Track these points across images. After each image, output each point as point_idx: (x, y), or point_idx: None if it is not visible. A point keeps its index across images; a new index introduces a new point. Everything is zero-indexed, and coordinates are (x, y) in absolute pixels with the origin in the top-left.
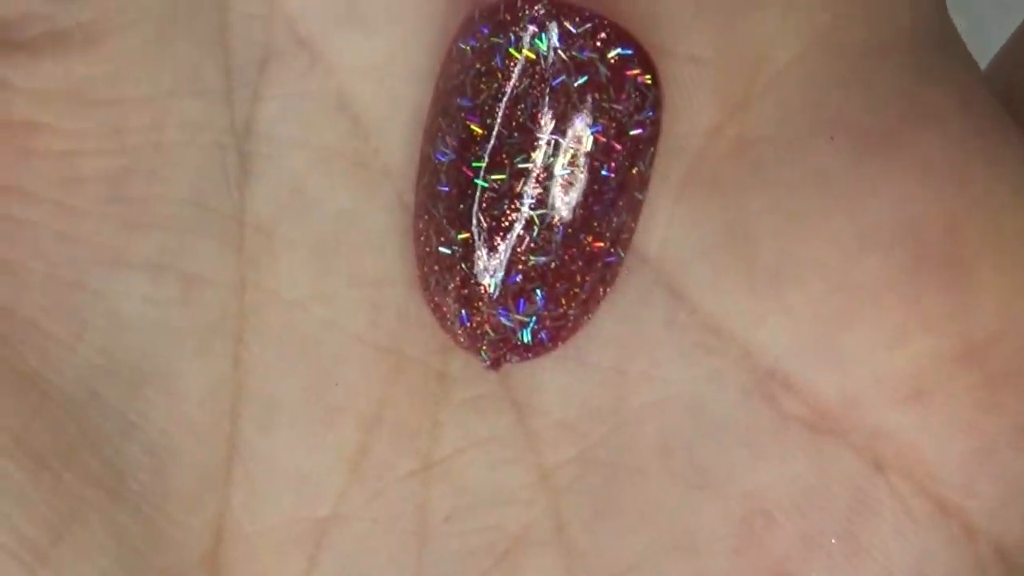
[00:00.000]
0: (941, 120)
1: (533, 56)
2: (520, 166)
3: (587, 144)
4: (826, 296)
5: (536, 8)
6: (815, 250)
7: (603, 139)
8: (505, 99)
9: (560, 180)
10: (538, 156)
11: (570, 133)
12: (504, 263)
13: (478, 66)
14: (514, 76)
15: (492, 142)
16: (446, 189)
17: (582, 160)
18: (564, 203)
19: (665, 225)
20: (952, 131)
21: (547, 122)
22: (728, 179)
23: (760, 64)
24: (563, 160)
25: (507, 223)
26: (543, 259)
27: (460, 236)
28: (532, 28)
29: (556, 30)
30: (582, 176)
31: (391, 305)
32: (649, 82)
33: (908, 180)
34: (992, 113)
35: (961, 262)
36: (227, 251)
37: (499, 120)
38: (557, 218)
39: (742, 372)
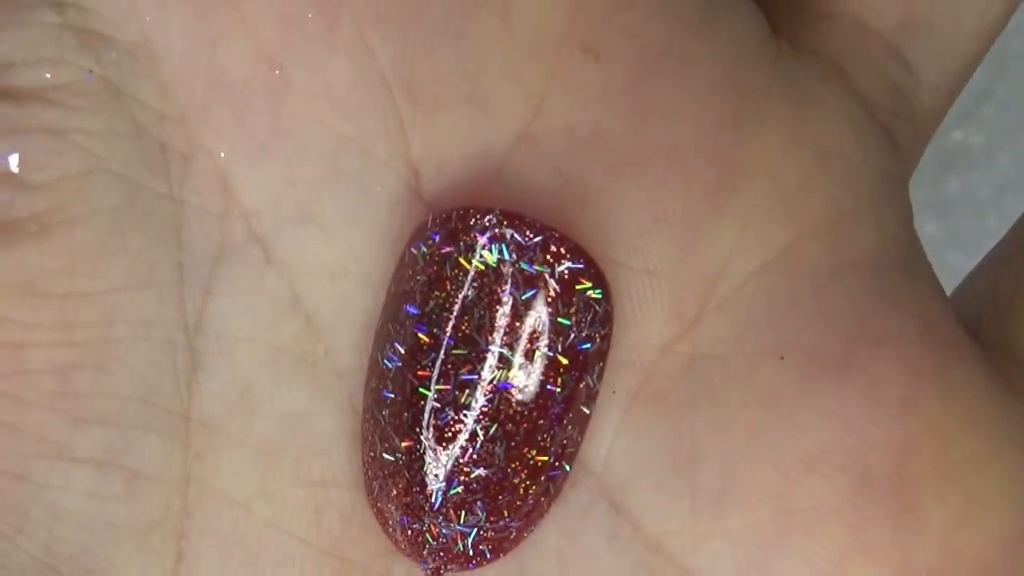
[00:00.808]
0: (898, 344)
1: (483, 267)
2: (466, 378)
3: (535, 359)
4: (767, 521)
5: (487, 219)
6: (758, 473)
7: (551, 354)
8: (454, 310)
9: (507, 394)
10: (485, 369)
11: (518, 347)
12: (446, 473)
13: (428, 274)
14: (464, 287)
15: (439, 353)
16: (392, 395)
17: (529, 374)
18: (511, 417)
19: (611, 439)
20: (908, 356)
21: (495, 335)
22: (677, 396)
23: (716, 280)
24: (510, 374)
25: (451, 433)
26: (485, 472)
27: (403, 444)
28: (483, 239)
29: (507, 242)
30: (529, 390)
31: (335, 507)
32: (599, 296)
33: (857, 405)
34: (953, 338)
35: (906, 490)
36: (173, 448)
37: (447, 331)
38: (503, 432)
39: None
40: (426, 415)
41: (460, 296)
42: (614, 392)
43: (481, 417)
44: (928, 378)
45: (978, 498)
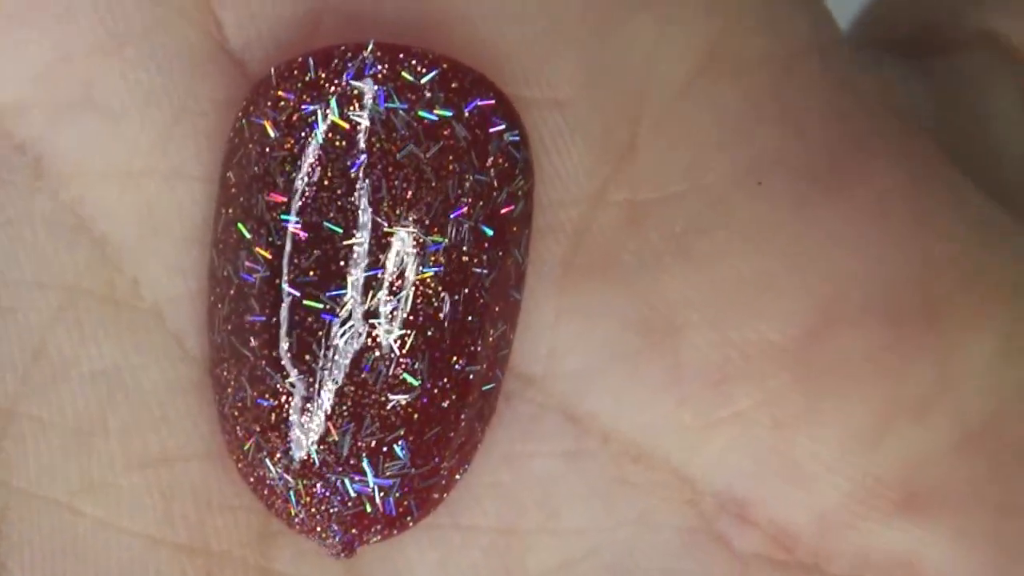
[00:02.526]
0: (888, 144)
1: (366, 122)
2: (369, 274)
3: (456, 235)
4: (785, 392)
5: (362, 57)
6: (764, 333)
7: (472, 224)
8: (333, 187)
9: (426, 288)
10: (390, 257)
11: (430, 221)
12: (357, 410)
13: (288, 146)
14: (344, 153)
15: (324, 246)
16: (261, 319)
17: (451, 257)
18: (433, 319)
19: (551, 329)
20: (901, 158)
21: (398, 209)
22: (627, 258)
23: (643, 95)
24: (421, 261)
25: (352, 355)
26: (404, 398)
27: (289, 380)
28: (359, 85)
29: (394, 82)
30: (454, 279)
31: (186, 488)
32: (516, 140)
33: (869, 225)
34: (927, 135)
35: (945, 325)
36: None
37: (331, 216)
38: (424, 341)
39: (681, 508)
40: (318, 335)
41: (340, 167)
42: (544, 268)
43: (395, 324)
44: (931, 184)
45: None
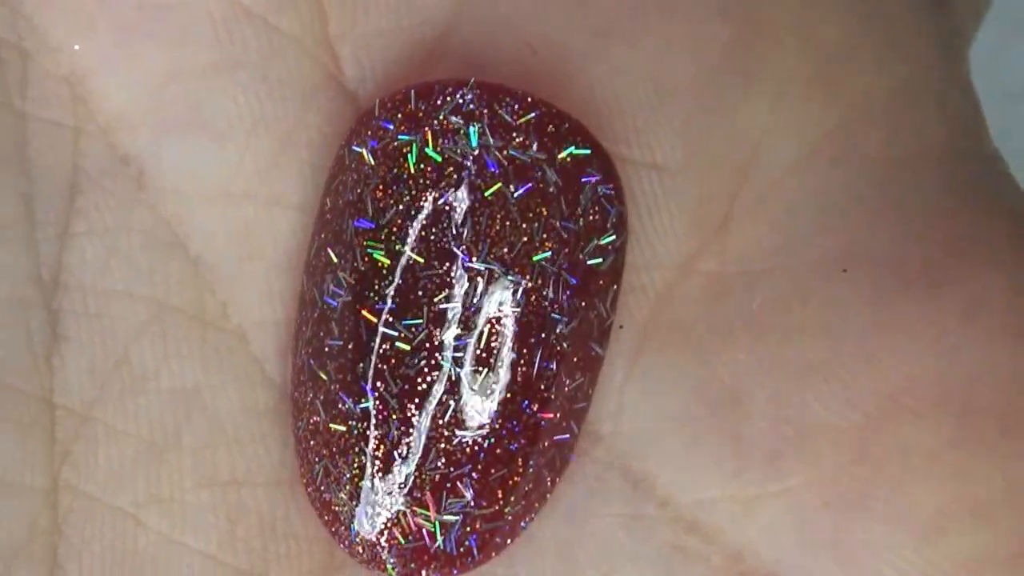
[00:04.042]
0: (992, 251)
1: (458, 158)
2: (443, 308)
3: (535, 277)
4: (839, 476)
5: (461, 93)
6: (824, 415)
7: (555, 271)
8: (420, 217)
9: (499, 327)
10: (469, 294)
11: (510, 261)
12: (421, 442)
13: (382, 175)
14: (433, 186)
15: (403, 276)
16: (338, 343)
17: (529, 300)
18: (504, 359)
19: (620, 388)
20: (1006, 264)
21: (480, 247)
22: (703, 327)
23: (746, 172)
24: (499, 299)
25: (424, 386)
26: (472, 436)
27: (360, 406)
28: (456, 119)
29: (489, 122)
30: (530, 322)
31: (252, 512)
32: (611, 193)
33: (954, 325)
34: None
35: (1020, 432)
36: (34, 444)
37: (410, 246)
38: (495, 380)
39: None
40: (391, 363)
41: (428, 198)
42: (620, 327)
43: (467, 360)
44: None
45: None
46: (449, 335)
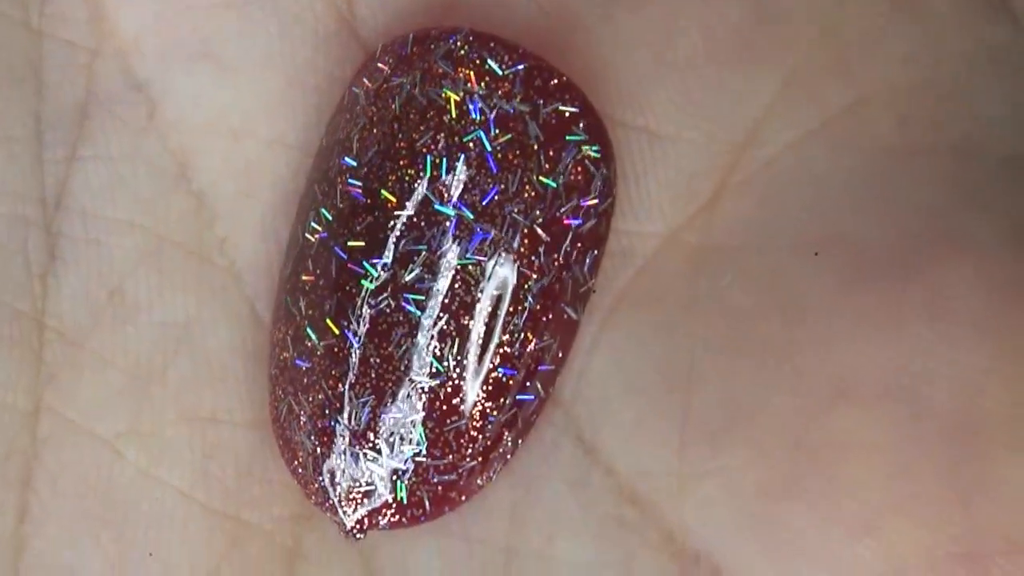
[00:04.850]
0: (977, 249)
1: (443, 102)
2: (411, 247)
3: (505, 228)
4: (777, 461)
5: (452, 40)
6: (772, 398)
7: (527, 223)
8: (400, 158)
9: (465, 275)
10: (438, 238)
11: (483, 210)
12: (380, 383)
13: (369, 114)
14: (416, 128)
15: (378, 215)
16: (311, 279)
17: (497, 250)
18: (468, 308)
19: (586, 354)
20: (989, 269)
21: (454, 192)
22: (675, 299)
23: (742, 148)
24: (466, 246)
25: (386, 326)
26: (427, 382)
27: (324, 343)
28: (444, 65)
29: (477, 70)
30: (497, 272)
31: (229, 452)
32: (597, 155)
33: (914, 318)
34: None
35: (972, 438)
36: (20, 363)
37: (389, 186)
38: (457, 328)
39: (663, 560)
40: (356, 301)
41: (410, 140)
42: (593, 292)
43: (430, 305)
44: (1016, 298)
45: None
46: (412, 277)
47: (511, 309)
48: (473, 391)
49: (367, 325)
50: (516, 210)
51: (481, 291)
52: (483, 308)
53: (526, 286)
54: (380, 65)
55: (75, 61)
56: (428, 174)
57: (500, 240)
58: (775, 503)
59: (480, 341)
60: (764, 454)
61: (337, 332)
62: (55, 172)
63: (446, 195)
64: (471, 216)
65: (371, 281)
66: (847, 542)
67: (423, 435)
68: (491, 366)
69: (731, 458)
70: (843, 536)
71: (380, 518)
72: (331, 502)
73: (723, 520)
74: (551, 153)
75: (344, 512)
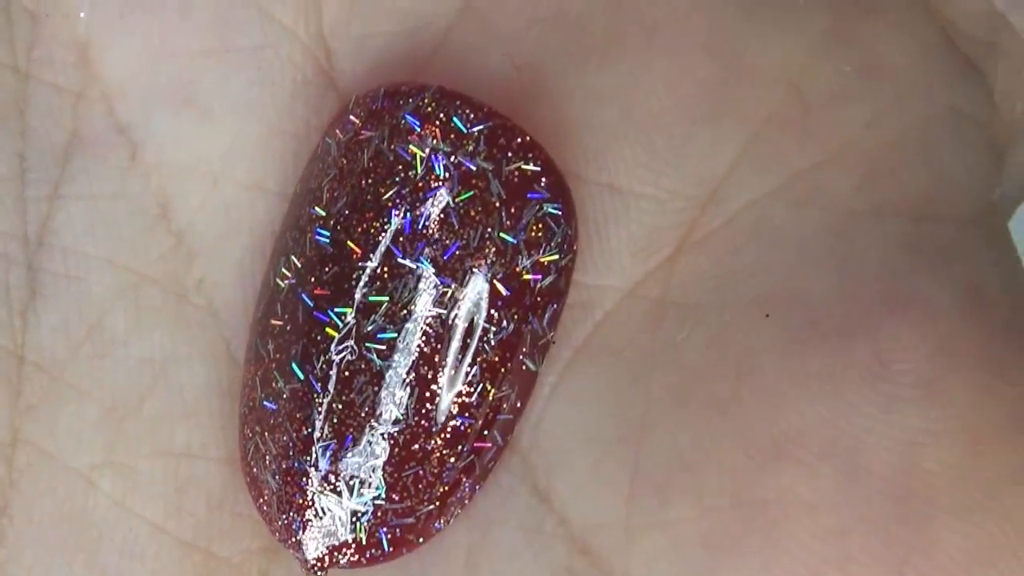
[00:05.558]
0: (925, 311)
1: (408, 158)
2: (374, 300)
3: (466, 283)
4: (719, 514)
5: (420, 96)
6: (717, 453)
7: (487, 279)
8: (364, 211)
9: (426, 326)
10: (400, 290)
11: (444, 264)
12: (341, 429)
13: (339, 166)
14: (381, 183)
15: (343, 265)
16: (279, 324)
17: (458, 303)
18: (428, 358)
19: (544, 401)
20: (937, 330)
21: (417, 247)
22: (632, 352)
23: (703, 207)
24: (428, 299)
25: (348, 373)
26: (386, 429)
27: (289, 386)
28: (411, 122)
29: (443, 127)
30: (456, 325)
31: (202, 486)
32: (557, 213)
33: (856, 379)
34: (1011, 321)
35: (910, 500)
36: None
37: (355, 237)
38: (416, 377)
39: None
40: (319, 348)
41: (376, 194)
42: (553, 343)
43: (390, 355)
44: (962, 360)
45: (1015, 527)
46: (374, 327)
47: (471, 360)
48: (432, 439)
49: (331, 371)
50: (477, 265)
51: (441, 342)
52: (443, 359)
53: (486, 339)
54: (352, 118)
55: (60, 104)
56: (392, 227)
57: (461, 294)
58: (716, 559)
59: (440, 391)
60: (708, 508)
61: (302, 377)
62: (37, 210)
63: (409, 248)
64: (433, 270)
65: (335, 329)
66: None
67: (382, 480)
68: (450, 414)
69: (677, 510)
70: None
71: (340, 556)
72: (294, 539)
73: (667, 574)
74: (512, 210)
75: (306, 549)
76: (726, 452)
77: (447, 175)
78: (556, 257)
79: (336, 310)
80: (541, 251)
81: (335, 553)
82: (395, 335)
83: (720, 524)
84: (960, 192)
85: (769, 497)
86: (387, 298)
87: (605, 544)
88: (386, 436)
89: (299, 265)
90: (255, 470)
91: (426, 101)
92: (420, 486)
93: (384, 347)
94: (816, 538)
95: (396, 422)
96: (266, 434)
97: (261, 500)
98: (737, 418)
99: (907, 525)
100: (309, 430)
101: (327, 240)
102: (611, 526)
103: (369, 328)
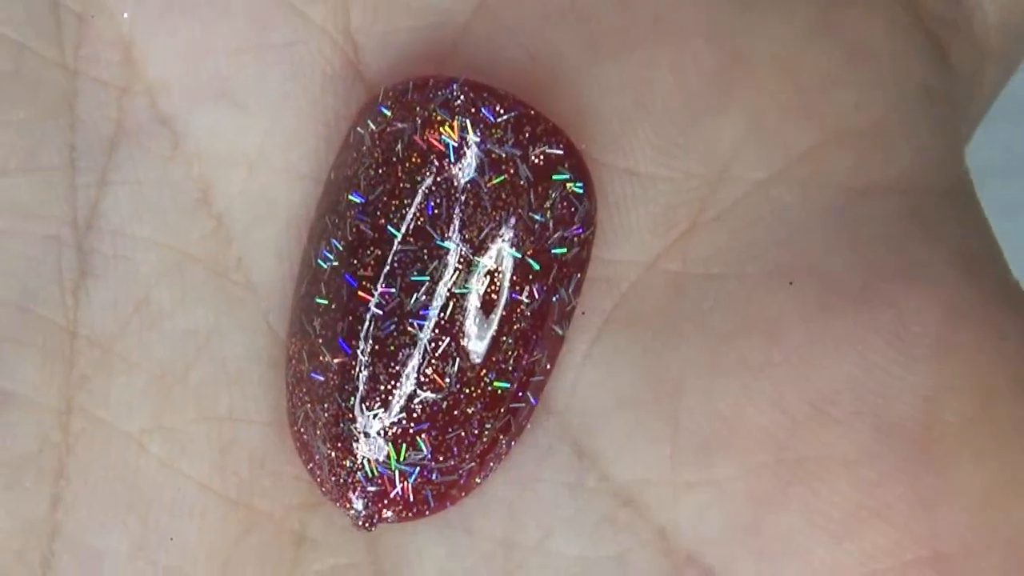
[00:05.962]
0: (933, 277)
1: (442, 147)
2: (415, 279)
3: (499, 260)
4: (763, 471)
5: (450, 89)
6: (755, 413)
7: (519, 256)
8: (405, 197)
9: (464, 301)
10: (439, 270)
11: (480, 244)
12: (387, 397)
13: (375, 156)
14: (418, 170)
15: (385, 248)
16: (324, 301)
17: (493, 279)
18: (467, 330)
19: (578, 369)
20: (944, 295)
21: (453, 229)
22: (660, 321)
23: (714, 186)
24: (469, 277)
25: (393, 347)
26: (433, 396)
27: (335, 360)
28: (443, 113)
29: (472, 118)
30: (492, 299)
31: (244, 448)
32: (580, 191)
33: (881, 341)
34: (1001, 281)
35: (934, 450)
36: (53, 367)
37: (395, 222)
38: (456, 348)
39: (655, 556)
40: (365, 324)
41: (412, 181)
42: (583, 313)
43: (432, 328)
44: (968, 320)
45: (1022, 468)
46: (416, 304)
47: (505, 330)
48: (472, 404)
49: (377, 346)
50: (510, 243)
51: (479, 316)
52: (482, 331)
53: (519, 310)
54: (383, 109)
55: (106, 98)
56: (429, 212)
57: (496, 270)
58: (763, 511)
59: (479, 360)
60: (751, 466)
61: (349, 352)
62: (86, 197)
63: (446, 231)
64: (470, 250)
65: (380, 307)
66: (828, 546)
67: (427, 443)
68: (488, 381)
69: (720, 470)
70: (825, 541)
71: (387, 512)
72: (345, 497)
73: (714, 525)
74: (539, 191)
75: (356, 507)
76: (764, 413)
77: (479, 162)
78: (579, 231)
79: (381, 290)
80: (566, 227)
81: (383, 509)
82: (436, 311)
83: (765, 480)
84: (937, 165)
85: (810, 454)
86: (427, 278)
87: (649, 498)
88: (430, 403)
89: (341, 248)
90: (305, 436)
91: (455, 93)
92: (462, 447)
93: (426, 322)
94: (857, 490)
95: (439, 390)
96: (315, 403)
97: (312, 464)
98: (771, 380)
99: (931, 473)
100: (356, 399)
101: (368, 224)
102: (655, 483)
103: (411, 306)
